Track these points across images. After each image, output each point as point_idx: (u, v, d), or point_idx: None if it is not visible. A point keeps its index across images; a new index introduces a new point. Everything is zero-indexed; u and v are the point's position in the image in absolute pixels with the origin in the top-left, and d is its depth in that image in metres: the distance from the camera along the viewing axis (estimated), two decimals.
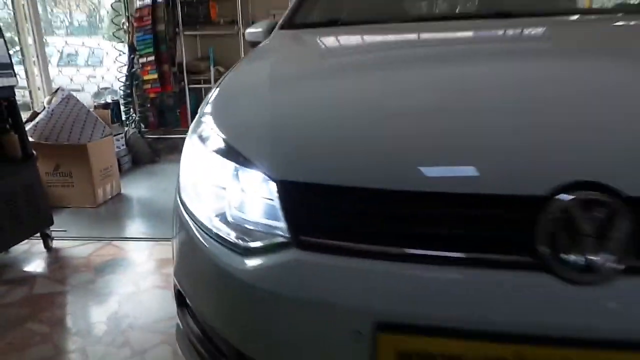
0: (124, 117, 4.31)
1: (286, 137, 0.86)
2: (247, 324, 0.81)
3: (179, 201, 0.99)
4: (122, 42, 4.48)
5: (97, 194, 3.01)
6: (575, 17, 1.48)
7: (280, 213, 0.78)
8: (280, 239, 0.77)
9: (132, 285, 2.01)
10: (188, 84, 4.69)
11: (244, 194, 0.84)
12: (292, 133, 0.87)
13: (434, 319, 0.67)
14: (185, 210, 0.95)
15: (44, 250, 2.34)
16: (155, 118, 4.79)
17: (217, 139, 0.93)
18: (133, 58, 4.40)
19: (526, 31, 1.31)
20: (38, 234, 2.32)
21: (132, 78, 4.40)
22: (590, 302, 0.64)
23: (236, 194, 0.85)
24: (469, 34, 1.36)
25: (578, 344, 0.63)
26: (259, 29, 1.88)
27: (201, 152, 0.96)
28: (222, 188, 0.87)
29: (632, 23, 1.35)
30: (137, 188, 3.50)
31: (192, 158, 1.00)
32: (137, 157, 4.13)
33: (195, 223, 0.91)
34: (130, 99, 4.41)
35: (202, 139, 0.97)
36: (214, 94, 1.16)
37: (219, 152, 0.90)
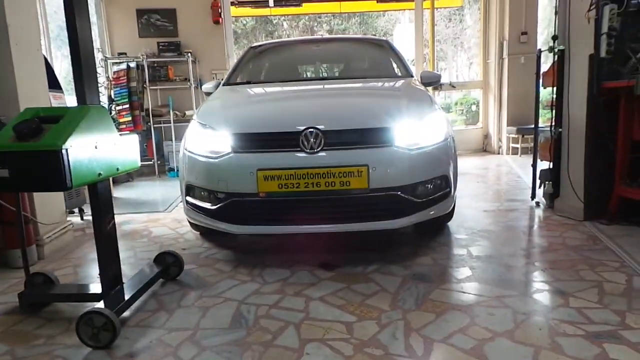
0: None
1: (230, 120, 2.60)
2: (215, 178, 2.48)
3: (185, 147, 2.68)
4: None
5: None
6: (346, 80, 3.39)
7: (228, 144, 2.49)
8: (228, 151, 2.47)
9: (141, 226, 3.56)
10: (153, 124, 6.29)
11: (214, 140, 2.54)
12: (232, 118, 2.61)
13: (274, 166, 2.38)
14: (188, 151, 2.64)
15: (79, 220, 3.82)
16: None
17: (203, 123, 2.64)
18: (111, 107, 5.97)
19: (327, 84, 3.18)
20: (76, 209, 3.81)
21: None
22: (314, 158, 2.38)
23: (212, 141, 2.55)
24: (308, 85, 3.22)
25: (311, 168, 2.36)
26: (210, 86, 3.64)
27: (196, 129, 2.66)
28: (203, 139, 2.58)
29: (368, 82, 3.27)
30: (122, 194, 5.01)
31: (192, 132, 2.69)
32: (116, 177, 5.62)
33: (195, 153, 2.59)
34: None
35: (196, 124, 2.68)
36: (198, 111, 2.89)
37: (202, 126, 2.62)
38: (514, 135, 6.83)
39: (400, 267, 2.46)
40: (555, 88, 3.39)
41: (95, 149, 1.86)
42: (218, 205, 2.53)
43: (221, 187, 2.49)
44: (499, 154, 7.29)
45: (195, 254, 2.85)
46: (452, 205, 2.84)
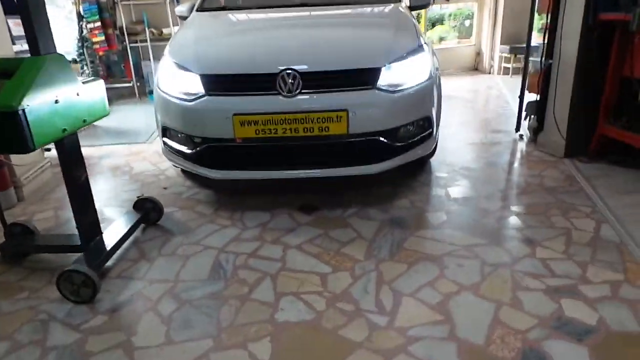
0: (79, 72, 5.53)
1: (202, 58, 2.44)
2: (190, 122, 2.40)
3: (159, 88, 2.55)
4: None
5: None
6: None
7: (201, 86, 2.37)
8: (202, 94, 2.36)
9: (122, 161, 3.52)
10: (129, 43, 5.94)
11: (187, 81, 2.42)
12: (204, 57, 2.45)
13: (250, 111, 2.29)
14: (161, 90, 2.51)
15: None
16: (105, 71, 6.03)
17: (174, 61, 2.49)
18: (81, 25, 5.58)
19: (308, 11, 2.96)
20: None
21: (83, 40, 5.60)
22: (292, 102, 2.29)
23: (184, 82, 2.42)
24: (287, 12, 3.00)
25: (290, 113, 2.28)
26: (184, 9, 3.39)
27: (168, 68, 2.51)
28: (176, 79, 2.45)
29: (352, 9, 3.05)
30: (102, 122, 4.86)
31: (163, 71, 2.55)
32: None
33: (168, 94, 2.47)
34: (83, 57, 5.63)
35: (167, 62, 2.53)
36: (170, 44, 2.71)
37: (174, 64, 2.47)
38: (506, 55, 6.61)
39: (378, 210, 2.50)
40: (549, 15, 3.21)
41: (55, 103, 1.76)
42: (195, 150, 2.48)
43: (197, 131, 2.42)
44: (490, 73, 7.10)
45: (176, 194, 2.86)
46: (434, 145, 2.82)
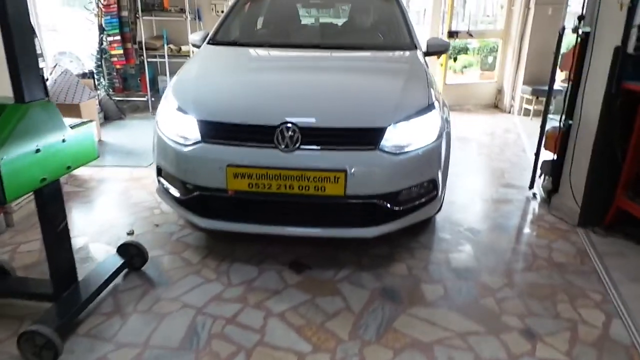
0: (95, 83, 5.53)
1: (201, 102, 2.35)
2: (183, 168, 2.31)
3: (158, 128, 2.46)
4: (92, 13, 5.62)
5: None
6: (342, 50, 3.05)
7: (198, 131, 2.27)
8: (198, 140, 2.27)
9: (121, 187, 3.45)
10: (146, 58, 5.94)
11: (184, 125, 2.33)
12: (203, 100, 2.36)
13: (245, 163, 2.18)
14: (160, 131, 2.43)
15: None
16: (121, 84, 6.03)
17: (174, 103, 2.41)
18: (102, 37, 5.60)
19: (319, 52, 2.86)
20: None
21: (102, 52, 5.61)
22: (289, 157, 2.17)
23: (182, 125, 2.33)
24: (300, 52, 2.90)
25: (286, 169, 2.17)
26: (197, 38, 3.33)
27: (167, 108, 2.43)
28: (173, 121, 2.36)
29: (365, 54, 2.94)
30: (110, 136, 4.84)
31: (163, 110, 2.47)
32: (108, 114, 5.42)
33: (165, 135, 2.39)
34: (100, 69, 5.64)
35: (168, 102, 2.45)
36: (173, 80, 2.63)
37: (173, 105, 2.38)
38: (528, 96, 6.42)
39: (371, 276, 2.36)
40: (572, 74, 3.05)
41: (36, 152, 1.68)
42: (187, 196, 2.38)
43: (189, 178, 2.33)
44: (510, 112, 6.91)
45: (166, 234, 2.76)
46: (439, 206, 2.67)
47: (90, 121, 2.04)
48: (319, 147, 2.20)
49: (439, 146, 2.41)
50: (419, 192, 2.41)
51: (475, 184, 3.75)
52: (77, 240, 2.65)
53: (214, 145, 2.26)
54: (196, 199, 2.35)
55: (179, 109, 2.38)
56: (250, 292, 2.21)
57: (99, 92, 5.46)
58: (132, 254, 2.33)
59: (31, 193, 2.96)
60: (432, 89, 2.54)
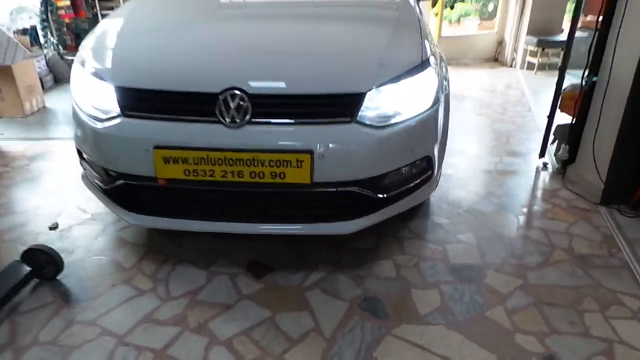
0: (42, 41, 4.83)
1: (119, 62, 1.77)
2: (101, 150, 1.75)
3: (73, 98, 1.89)
4: None
5: (25, 106, 3.74)
6: None
7: (116, 102, 1.70)
8: (116, 114, 1.70)
9: (58, 165, 2.90)
10: (100, 10, 5.20)
11: (100, 94, 1.75)
12: (122, 61, 1.78)
13: (177, 143, 1.63)
14: (75, 103, 1.85)
15: None
16: (73, 41, 5.31)
17: (88, 66, 1.81)
18: None
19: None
20: None
21: (47, 4, 4.87)
22: (236, 134, 1.62)
23: (97, 94, 1.76)
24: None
25: (232, 151, 1.62)
26: None
27: (80, 73, 1.84)
28: (87, 89, 1.78)
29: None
30: (59, 102, 4.22)
31: (75, 76, 1.88)
32: (58, 76, 4.76)
33: (79, 108, 1.81)
34: (46, 24, 4.92)
35: (80, 65, 1.85)
36: (88, 37, 2.02)
37: (90, 73, 1.79)
38: (532, 48, 5.79)
39: (350, 280, 1.87)
40: (600, 20, 2.46)
41: None
42: (110, 186, 1.84)
43: (109, 164, 1.78)
44: (511, 66, 6.30)
45: (100, 227, 2.24)
46: (434, 187, 2.15)
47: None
48: (275, 121, 1.65)
49: (436, 113, 1.86)
50: (409, 173, 1.88)
51: (475, 152, 3.22)
52: None
53: (137, 121, 1.69)
54: (120, 188, 1.81)
55: (95, 73, 1.79)
56: (192, 308, 1.72)
57: (46, 50, 4.77)
58: (41, 261, 1.81)
59: None
60: (426, 41, 1.96)
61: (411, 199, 1.95)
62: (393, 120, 1.72)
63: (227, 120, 1.62)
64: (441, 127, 1.96)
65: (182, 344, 1.55)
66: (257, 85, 1.65)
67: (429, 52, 1.89)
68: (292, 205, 1.78)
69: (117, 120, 1.70)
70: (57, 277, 1.86)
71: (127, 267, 1.94)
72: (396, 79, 1.72)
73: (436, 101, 1.85)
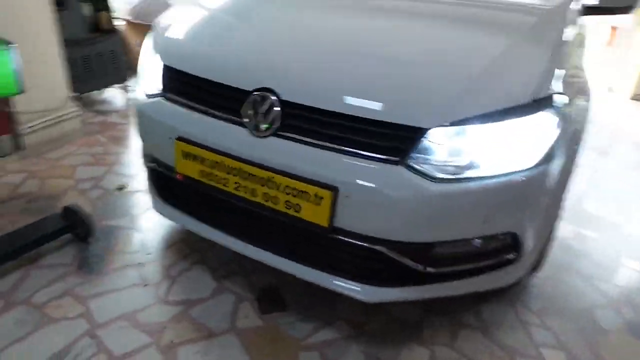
0: None
1: (172, 40, 1.62)
2: (140, 127, 1.63)
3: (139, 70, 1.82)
4: None
5: None
6: None
7: (160, 79, 1.57)
8: (159, 91, 1.57)
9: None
10: None
11: (152, 69, 1.63)
12: (176, 37, 1.62)
13: (198, 139, 1.42)
14: (139, 74, 1.79)
15: (122, 97, 3.46)
16: None
17: (153, 38, 1.71)
18: None
19: None
20: (118, 85, 3.41)
21: None
22: (258, 144, 1.34)
23: (150, 68, 1.64)
24: None
25: (248, 163, 1.34)
26: None
27: (147, 45, 1.75)
28: (148, 65, 1.67)
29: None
30: None
31: (144, 47, 1.78)
32: None
33: (140, 80, 1.74)
34: None
35: (150, 37, 1.76)
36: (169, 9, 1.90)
37: (151, 46, 1.68)
38: None
39: (363, 354, 1.46)
40: None
41: None
42: (147, 165, 1.75)
43: (144, 141, 1.68)
44: None
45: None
46: (523, 274, 1.56)
47: (8, 44, 1.49)
48: (303, 139, 1.31)
49: (541, 177, 1.30)
50: (478, 249, 1.37)
51: (625, 232, 2.33)
52: (61, 182, 2.29)
53: (171, 105, 1.53)
54: (151, 171, 1.70)
55: (154, 46, 1.69)
56: (178, 322, 1.53)
57: None
58: (76, 221, 1.83)
59: (56, 115, 2.69)
60: (558, 71, 1.37)
61: (478, 281, 1.44)
62: (463, 174, 1.24)
63: (252, 125, 1.35)
64: (551, 196, 1.38)
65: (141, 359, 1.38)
66: (292, 90, 1.33)
67: (553, 88, 1.31)
68: (308, 246, 1.44)
69: (156, 100, 1.57)
70: (90, 240, 1.86)
71: (150, 252, 1.86)
72: (482, 118, 1.22)
73: (545, 160, 1.28)
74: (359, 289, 1.38)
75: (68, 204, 1.85)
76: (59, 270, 1.71)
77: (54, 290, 1.61)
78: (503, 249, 1.39)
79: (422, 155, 1.22)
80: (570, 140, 1.39)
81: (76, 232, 1.85)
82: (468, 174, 1.23)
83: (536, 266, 1.73)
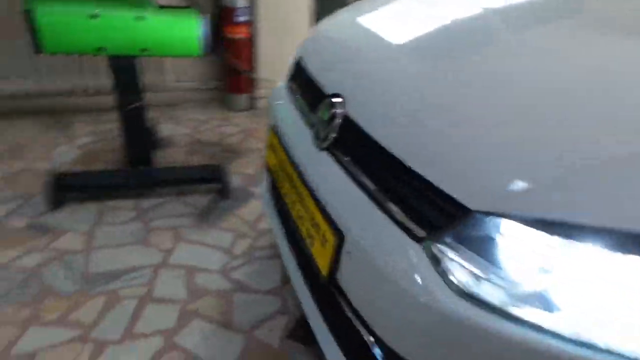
0: None
1: (316, 34, 1.52)
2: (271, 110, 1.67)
3: None
4: None
5: None
6: None
7: (294, 65, 1.54)
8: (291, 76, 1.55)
9: None
10: None
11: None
12: (319, 32, 1.52)
13: (283, 132, 1.32)
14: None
15: None
16: None
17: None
18: None
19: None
20: None
21: None
22: (313, 156, 1.13)
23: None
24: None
25: (302, 179, 1.15)
26: None
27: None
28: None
29: None
30: None
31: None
32: None
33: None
34: None
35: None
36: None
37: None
38: None
39: None
40: None
41: (91, 18, 1.61)
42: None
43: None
44: None
45: None
46: None
47: (197, 13, 1.75)
48: (350, 160, 1.05)
49: None
50: None
51: None
52: (254, 144, 2.59)
53: (289, 93, 1.49)
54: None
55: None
56: (215, 297, 1.54)
57: None
58: (219, 178, 2.05)
59: None
60: None
61: None
62: (520, 309, 0.73)
63: (316, 129, 1.18)
64: None
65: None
66: (356, 102, 1.07)
67: None
68: (314, 284, 1.18)
69: (285, 84, 1.56)
70: (226, 197, 2.06)
71: (256, 228, 1.91)
72: (594, 234, 0.69)
73: None
74: None
75: (220, 163, 2.09)
76: (186, 209, 1.97)
77: (169, 223, 1.87)
78: None
79: (462, 247, 0.79)
80: None
81: (218, 188, 2.08)
82: (529, 313, 0.72)
83: None
